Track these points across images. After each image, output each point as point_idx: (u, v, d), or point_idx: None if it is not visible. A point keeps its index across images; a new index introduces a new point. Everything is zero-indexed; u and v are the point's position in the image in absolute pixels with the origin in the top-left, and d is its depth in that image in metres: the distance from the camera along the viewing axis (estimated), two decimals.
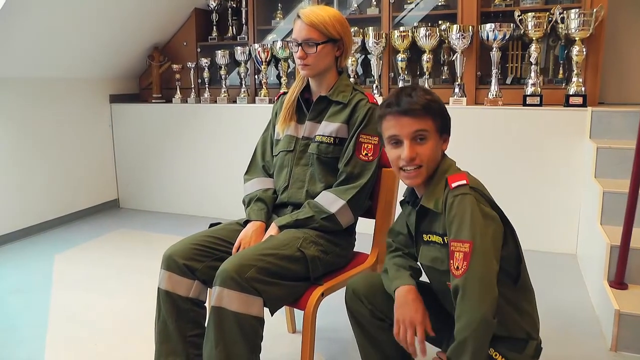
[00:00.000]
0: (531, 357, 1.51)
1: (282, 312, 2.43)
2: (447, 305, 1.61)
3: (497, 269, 1.39)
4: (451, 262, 1.41)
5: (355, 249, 2.10)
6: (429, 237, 1.55)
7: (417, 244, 1.63)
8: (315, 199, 1.93)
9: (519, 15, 3.57)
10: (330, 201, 1.90)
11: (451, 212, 1.43)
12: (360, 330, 1.71)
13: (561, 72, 3.80)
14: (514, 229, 1.50)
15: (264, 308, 1.70)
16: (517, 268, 1.50)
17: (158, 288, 1.85)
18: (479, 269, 1.35)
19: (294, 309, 2.05)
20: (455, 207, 1.42)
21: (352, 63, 4.07)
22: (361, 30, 4.04)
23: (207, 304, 1.87)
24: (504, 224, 1.47)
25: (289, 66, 4.41)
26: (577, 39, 3.42)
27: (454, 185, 1.46)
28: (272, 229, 1.90)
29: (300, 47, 1.89)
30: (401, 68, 3.95)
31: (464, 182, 1.46)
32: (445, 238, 1.48)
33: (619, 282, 2.46)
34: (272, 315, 1.74)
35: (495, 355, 1.46)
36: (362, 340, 1.72)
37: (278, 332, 2.48)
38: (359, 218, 2.02)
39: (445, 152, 1.60)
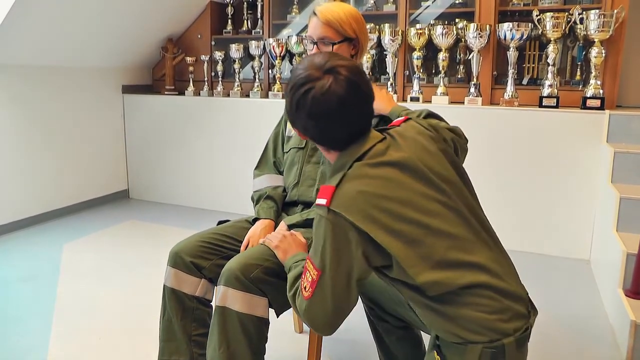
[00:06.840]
0: None
1: (290, 310, 2.40)
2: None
3: (352, 299, 1.31)
4: (303, 276, 1.35)
5: None
6: None
7: None
8: None
9: (537, 15, 3.51)
10: None
11: (313, 228, 1.34)
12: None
13: (579, 73, 3.74)
14: (397, 251, 1.25)
15: (270, 309, 1.67)
16: (414, 281, 1.27)
17: (164, 285, 1.84)
18: (318, 304, 1.30)
19: None
20: (315, 227, 1.32)
21: (367, 60, 4.03)
22: (377, 26, 3.99)
23: (213, 303, 1.85)
24: (376, 244, 1.25)
25: None
26: (596, 40, 3.35)
27: (317, 201, 1.31)
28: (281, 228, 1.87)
29: (315, 45, 1.85)
30: (417, 66, 3.91)
31: (324, 202, 1.28)
32: None
33: (635, 291, 2.40)
34: (277, 317, 1.72)
35: (438, 358, 1.39)
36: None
37: (285, 331, 2.45)
38: None
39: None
